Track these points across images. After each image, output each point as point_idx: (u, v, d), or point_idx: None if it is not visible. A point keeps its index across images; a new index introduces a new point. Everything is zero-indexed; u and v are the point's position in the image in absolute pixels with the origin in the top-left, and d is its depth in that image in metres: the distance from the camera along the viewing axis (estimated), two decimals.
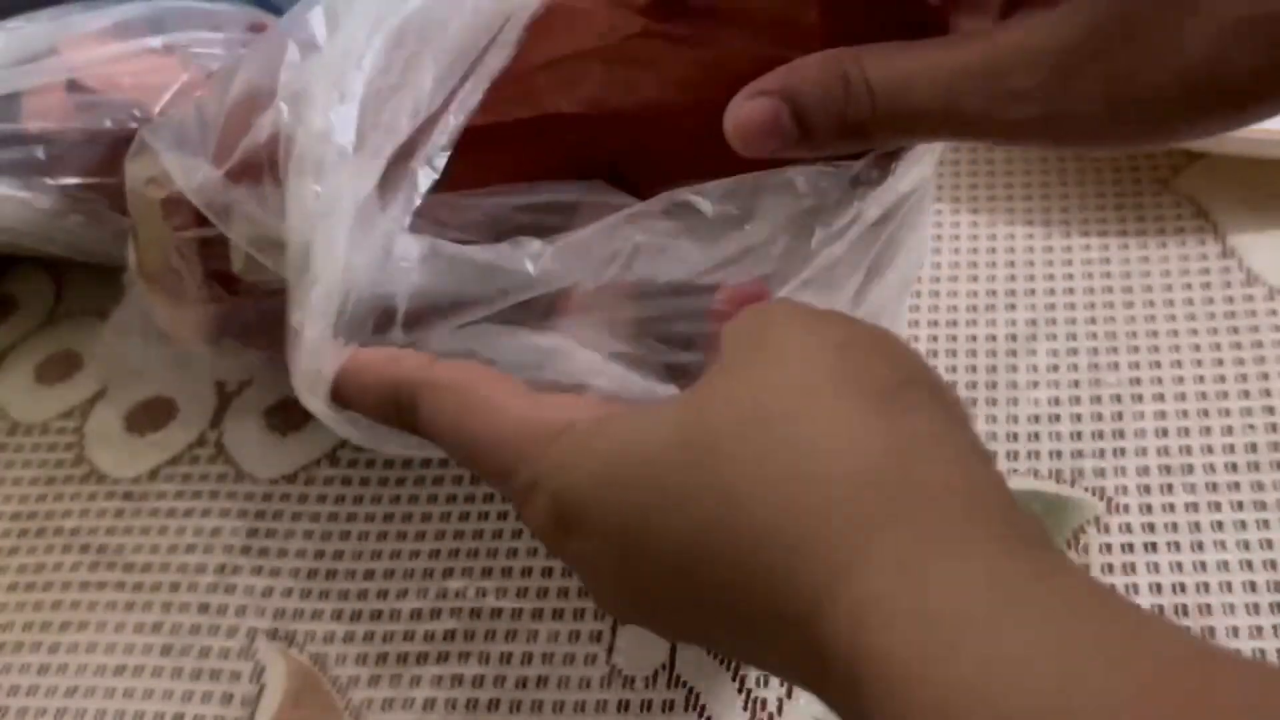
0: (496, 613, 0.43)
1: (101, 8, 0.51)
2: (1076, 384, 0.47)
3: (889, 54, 0.32)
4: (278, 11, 0.54)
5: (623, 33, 0.35)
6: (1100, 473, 0.44)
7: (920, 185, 0.38)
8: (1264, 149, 0.51)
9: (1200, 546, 0.42)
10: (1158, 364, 0.47)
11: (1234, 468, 0.44)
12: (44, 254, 0.54)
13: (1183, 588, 0.41)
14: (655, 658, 0.41)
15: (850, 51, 0.32)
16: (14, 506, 0.50)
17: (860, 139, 0.32)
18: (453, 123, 0.34)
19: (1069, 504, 0.44)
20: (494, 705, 0.41)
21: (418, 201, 0.34)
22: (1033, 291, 0.51)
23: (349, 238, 0.34)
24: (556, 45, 0.36)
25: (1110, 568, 0.42)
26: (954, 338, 0.49)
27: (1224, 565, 0.41)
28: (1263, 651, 0.39)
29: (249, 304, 0.40)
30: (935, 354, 0.49)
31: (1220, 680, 0.21)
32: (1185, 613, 0.40)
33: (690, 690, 0.41)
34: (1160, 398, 0.46)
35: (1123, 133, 0.31)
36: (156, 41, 0.50)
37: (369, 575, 0.45)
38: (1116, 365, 0.48)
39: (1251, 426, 0.45)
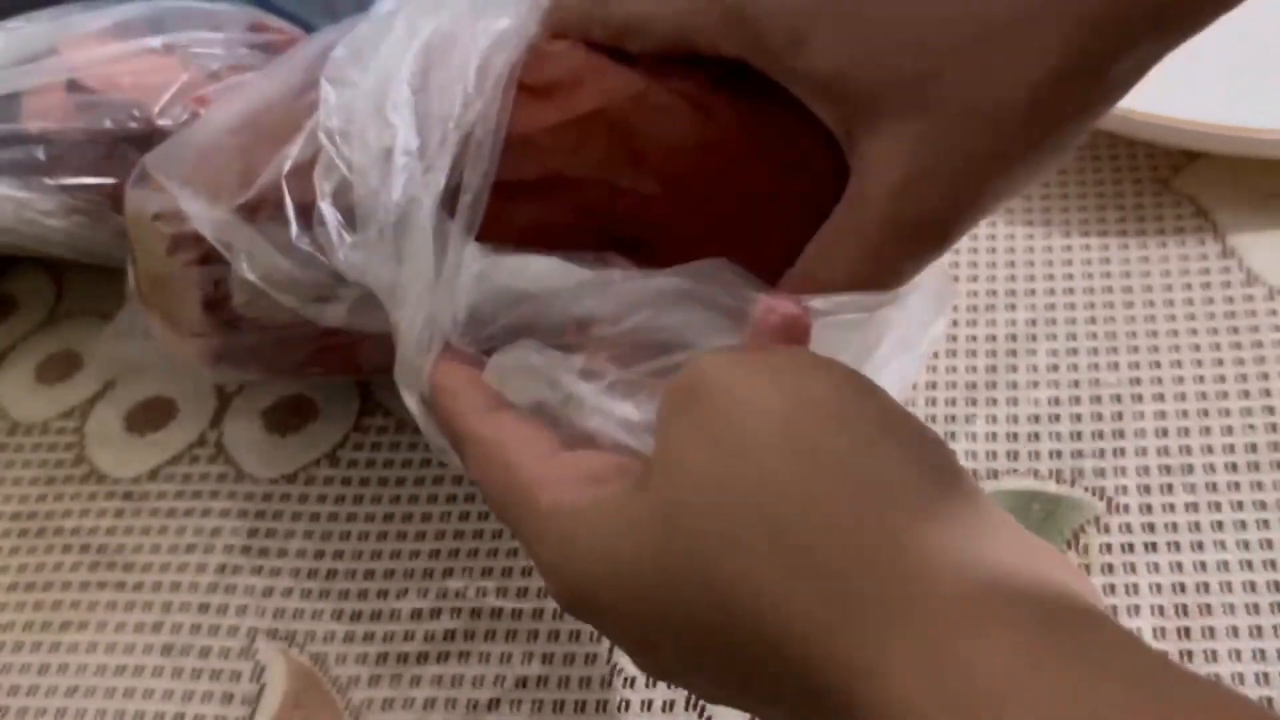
0: (496, 613, 0.43)
1: (101, 8, 0.51)
2: (1076, 384, 0.47)
3: None
4: (278, 12, 0.54)
5: (626, 93, 0.35)
6: (1100, 473, 0.44)
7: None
8: (1264, 149, 0.51)
9: (1200, 546, 0.42)
10: (1158, 364, 0.47)
11: (1234, 468, 0.44)
12: (44, 254, 0.54)
13: (1183, 588, 0.41)
14: None
15: None
16: (14, 506, 0.50)
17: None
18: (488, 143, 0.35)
19: (1069, 504, 0.44)
20: (494, 705, 0.41)
21: (482, 212, 0.35)
22: (1033, 291, 0.51)
23: (433, 242, 0.34)
24: (560, 104, 0.36)
25: (1110, 568, 0.42)
26: (954, 338, 0.49)
27: (1224, 565, 0.41)
28: (1263, 652, 0.39)
29: (248, 336, 0.40)
30: (935, 354, 0.49)
31: None
32: (1185, 612, 0.40)
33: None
34: (1160, 398, 0.46)
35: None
36: (156, 41, 0.50)
37: (369, 575, 0.45)
38: (1116, 365, 0.48)
39: (1251, 426, 0.45)
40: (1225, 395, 0.46)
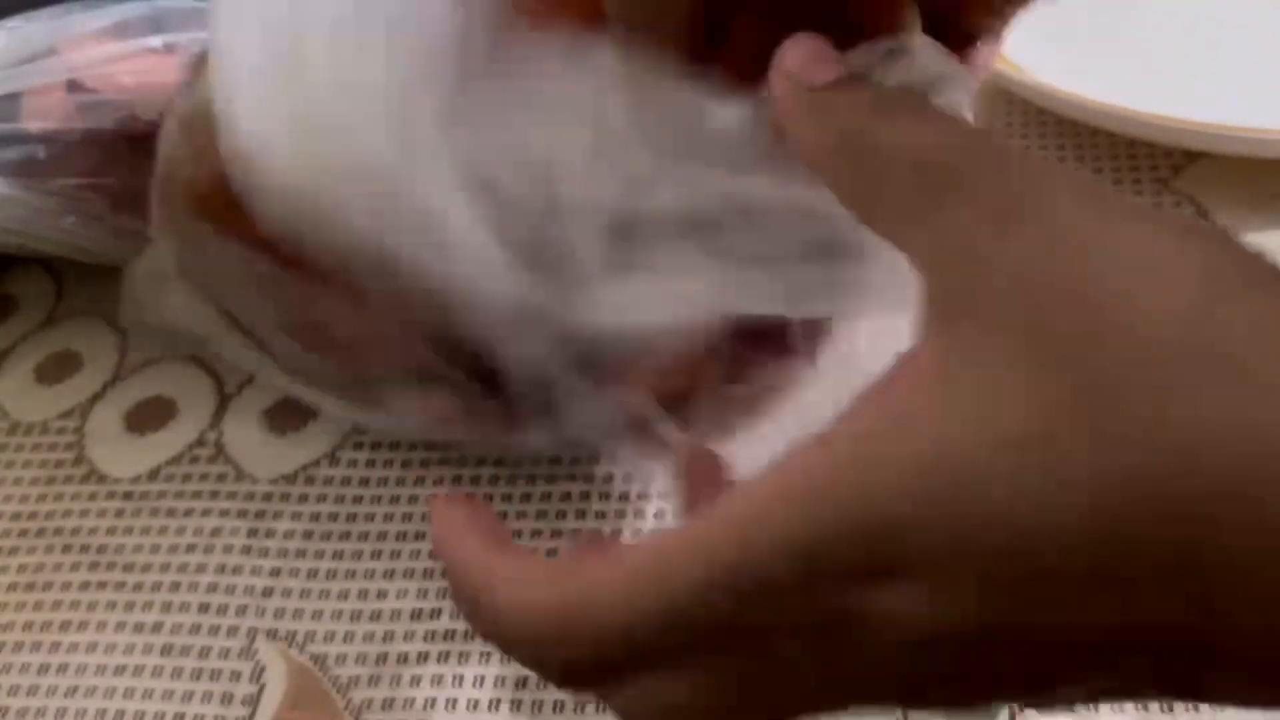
0: None
1: (101, 8, 0.51)
2: None
3: None
4: None
5: None
6: None
7: None
8: (1264, 149, 0.51)
9: None
10: None
11: None
12: (44, 254, 0.54)
13: None
14: None
15: None
16: (14, 506, 0.50)
17: None
18: None
19: None
20: (494, 705, 0.41)
21: None
22: None
23: None
24: None
25: None
26: None
27: None
28: None
29: None
30: None
31: None
32: None
33: None
34: None
35: None
36: (157, 41, 0.50)
37: (369, 575, 0.45)
38: None
39: None
40: None
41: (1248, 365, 0.18)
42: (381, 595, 0.44)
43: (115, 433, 0.52)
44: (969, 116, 0.29)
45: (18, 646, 0.45)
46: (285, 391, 0.45)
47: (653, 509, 0.45)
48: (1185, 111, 0.51)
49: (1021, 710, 0.38)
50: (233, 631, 0.44)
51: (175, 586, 0.46)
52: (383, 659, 0.43)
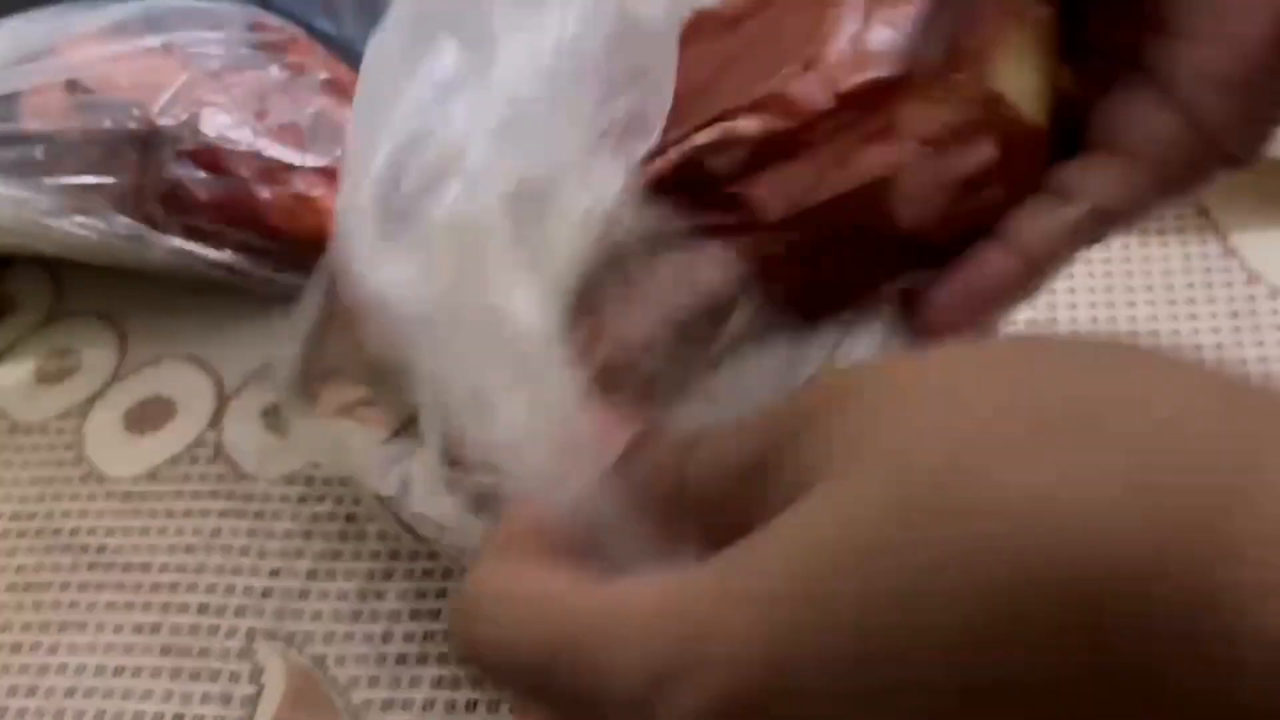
0: None
1: (101, 7, 0.51)
2: None
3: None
4: (278, 11, 0.54)
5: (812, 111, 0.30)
6: None
7: None
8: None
9: None
10: None
11: None
12: (43, 254, 0.54)
13: None
14: None
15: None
16: (14, 506, 0.50)
17: None
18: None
19: None
20: (494, 706, 0.41)
21: None
22: None
23: None
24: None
25: None
26: None
27: None
28: None
29: None
30: None
31: None
32: None
33: None
34: None
35: None
36: (156, 41, 0.50)
37: (369, 575, 0.45)
38: None
39: None
40: None
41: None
42: (381, 595, 0.44)
43: (115, 433, 0.52)
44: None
45: (17, 647, 0.45)
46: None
47: None
48: None
49: None
50: (232, 632, 0.44)
51: (175, 587, 0.46)
52: (383, 659, 0.43)
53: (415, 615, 0.44)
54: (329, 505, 0.47)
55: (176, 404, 0.52)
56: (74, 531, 0.48)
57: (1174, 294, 0.50)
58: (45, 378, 0.55)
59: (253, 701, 0.42)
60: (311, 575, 0.45)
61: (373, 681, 0.42)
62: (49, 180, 0.50)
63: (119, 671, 0.44)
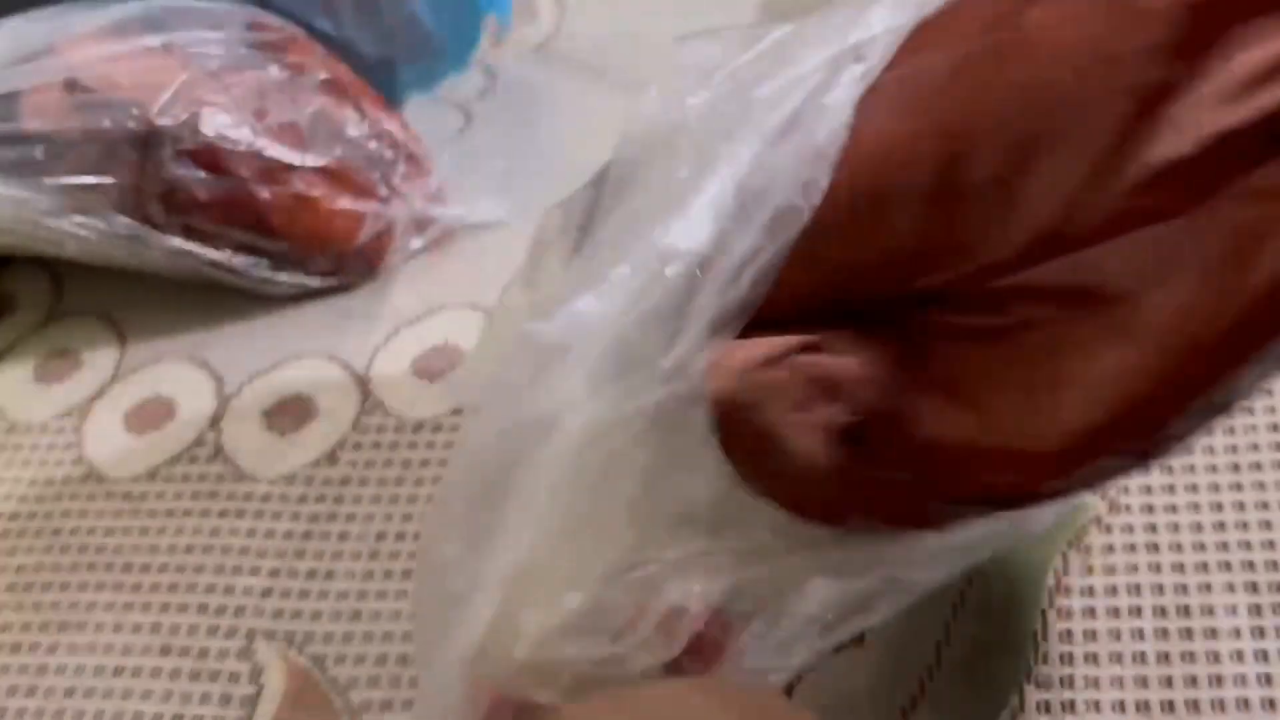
0: None
1: (100, 7, 0.51)
2: None
3: None
4: (277, 11, 0.54)
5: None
6: None
7: None
8: None
9: (1202, 547, 0.42)
10: None
11: (1236, 468, 0.44)
12: (43, 254, 0.54)
13: (1185, 589, 0.41)
14: None
15: None
16: (14, 506, 0.50)
17: None
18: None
19: (1071, 505, 0.43)
20: None
21: None
22: None
23: None
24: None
25: (1113, 568, 0.42)
26: None
27: (1225, 565, 0.41)
28: (1265, 653, 0.39)
29: None
30: None
31: None
32: (1188, 613, 0.40)
33: None
34: None
35: None
36: (155, 41, 0.50)
37: (369, 575, 0.45)
38: None
39: (1253, 426, 0.45)
40: None
41: None
42: (381, 595, 0.44)
43: (115, 433, 0.52)
44: None
45: (17, 647, 0.45)
46: None
47: None
48: None
49: (1023, 710, 0.38)
50: (232, 632, 0.44)
51: (175, 587, 0.46)
52: (383, 659, 0.43)
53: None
54: (329, 505, 0.47)
55: (176, 404, 0.52)
56: (74, 531, 0.48)
57: None
58: (45, 378, 0.55)
59: (252, 702, 0.42)
60: (311, 575, 0.45)
61: (373, 681, 0.42)
62: (49, 180, 0.50)
63: (119, 671, 0.44)
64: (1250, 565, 0.41)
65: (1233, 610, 0.40)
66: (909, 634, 0.41)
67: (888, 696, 0.39)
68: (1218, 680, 0.39)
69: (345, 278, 0.54)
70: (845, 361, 0.29)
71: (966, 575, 0.42)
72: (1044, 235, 0.26)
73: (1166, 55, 0.25)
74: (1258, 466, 0.44)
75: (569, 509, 0.29)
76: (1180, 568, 0.41)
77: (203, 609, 0.45)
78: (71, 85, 0.49)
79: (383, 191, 0.53)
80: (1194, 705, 0.38)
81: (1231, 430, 0.45)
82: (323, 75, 0.53)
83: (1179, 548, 0.42)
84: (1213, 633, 0.40)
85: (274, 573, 0.46)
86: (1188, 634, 0.40)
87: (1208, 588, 0.41)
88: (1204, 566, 0.41)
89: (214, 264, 0.52)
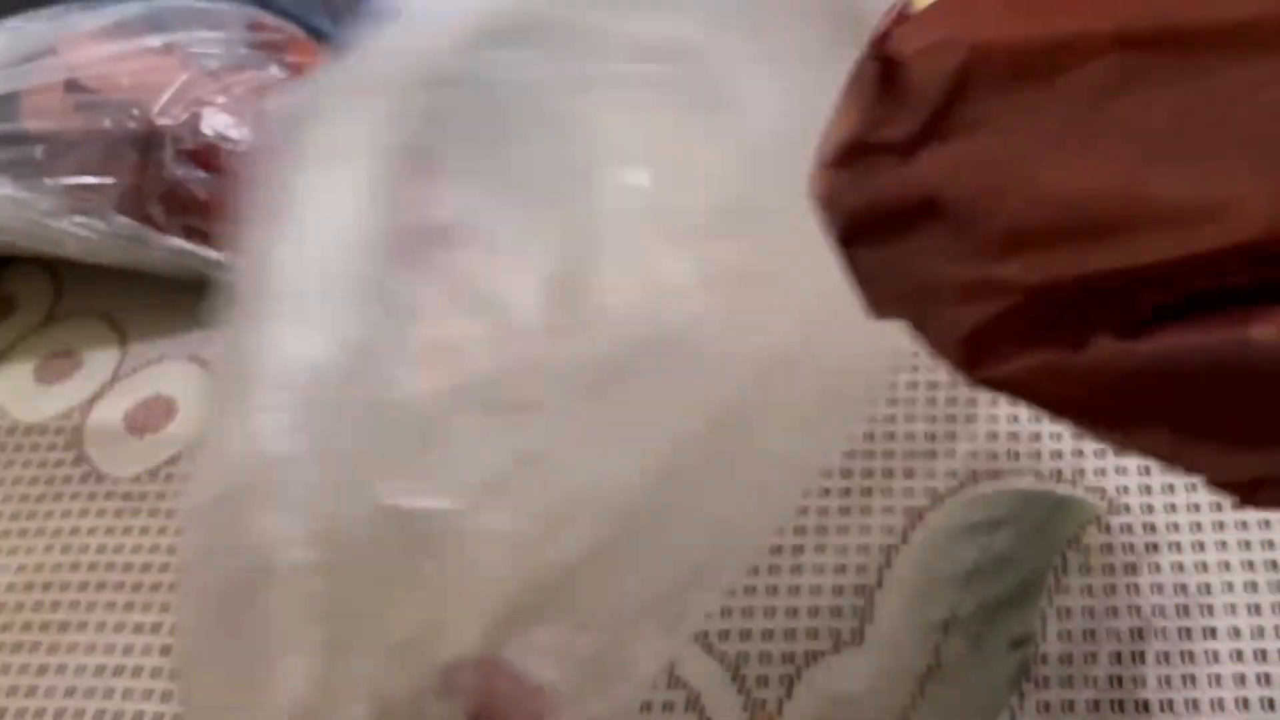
0: None
1: (101, 8, 0.51)
2: None
3: None
4: (278, 12, 0.54)
5: None
6: (1101, 473, 0.44)
7: None
8: None
9: (1201, 546, 0.42)
10: None
11: None
12: (43, 254, 0.54)
13: (1184, 588, 0.41)
14: None
15: None
16: (14, 506, 0.50)
17: None
18: None
19: (1070, 504, 0.44)
20: None
21: None
22: None
23: None
24: None
25: (1111, 568, 0.42)
26: None
27: (1225, 565, 0.41)
28: (1264, 653, 0.39)
29: None
30: None
31: None
32: (1187, 612, 0.40)
33: (690, 690, 0.40)
34: None
35: None
36: (156, 41, 0.50)
37: None
38: None
39: None
40: None
41: None
42: None
43: (115, 433, 0.52)
44: None
45: (17, 647, 0.45)
46: None
47: None
48: None
49: (1022, 710, 0.38)
50: None
51: (175, 586, 0.46)
52: None
53: None
54: None
55: (176, 404, 0.52)
56: (74, 531, 0.48)
57: None
58: (46, 377, 0.55)
59: None
60: None
61: None
62: (49, 180, 0.50)
63: (119, 671, 0.44)
64: (1249, 565, 0.41)
65: (1231, 610, 0.40)
66: (909, 634, 0.41)
67: (888, 696, 0.39)
68: (1217, 680, 0.39)
69: None
70: None
71: (966, 576, 0.42)
72: None
73: None
74: None
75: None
76: (1179, 567, 0.41)
77: None
78: (72, 85, 0.49)
79: None
80: (1193, 705, 0.38)
81: None
82: None
83: (1178, 547, 0.42)
84: (1212, 632, 0.40)
85: None
86: (1187, 634, 0.40)
87: (1207, 588, 0.41)
88: (1203, 566, 0.41)
89: (214, 264, 0.52)
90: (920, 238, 0.23)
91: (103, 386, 0.54)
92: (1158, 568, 0.42)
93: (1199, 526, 0.42)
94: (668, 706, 0.40)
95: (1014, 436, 0.46)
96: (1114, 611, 0.41)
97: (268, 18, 0.53)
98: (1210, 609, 0.40)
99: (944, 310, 0.24)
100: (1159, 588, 0.41)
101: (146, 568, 0.47)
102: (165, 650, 0.44)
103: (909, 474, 0.45)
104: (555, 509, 0.29)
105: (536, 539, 0.29)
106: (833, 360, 0.31)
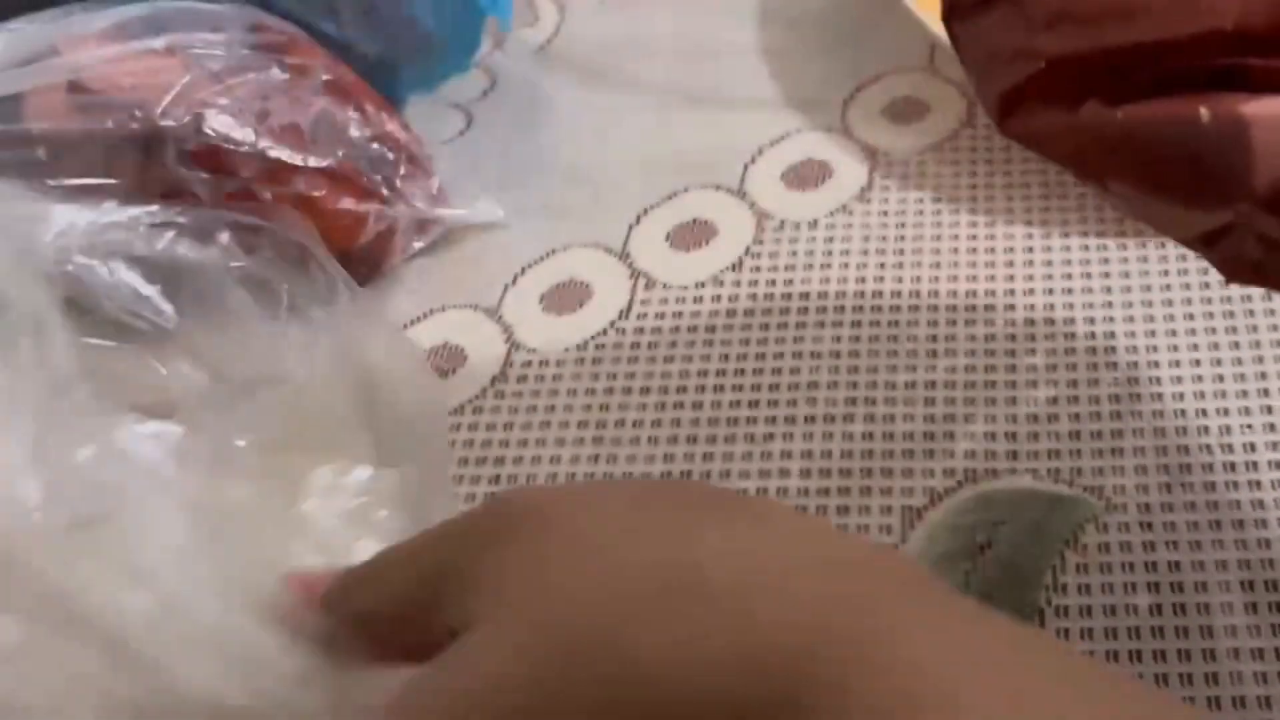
0: None
1: (102, 8, 0.51)
2: (1075, 384, 0.47)
3: None
4: (279, 12, 0.54)
5: None
6: (1099, 472, 0.44)
7: None
8: None
9: (1199, 546, 0.42)
10: (1156, 364, 0.48)
11: (1232, 468, 0.44)
12: None
13: (1180, 587, 0.41)
14: None
15: None
16: None
17: None
18: None
19: (1067, 504, 0.44)
20: None
21: None
22: (1032, 291, 0.51)
23: None
24: None
25: (1108, 567, 0.42)
26: (953, 337, 0.49)
27: (1222, 565, 0.41)
28: (1261, 652, 0.39)
29: None
30: (935, 354, 0.49)
31: None
32: (1184, 611, 0.40)
33: None
34: (1158, 398, 0.46)
35: None
36: (158, 42, 0.50)
37: None
38: (1115, 365, 0.48)
39: (1249, 426, 0.45)
40: (1223, 395, 0.46)
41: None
42: None
43: None
44: None
45: None
46: None
47: None
48: None
49: None
50: None
51: None
52: None
53: None
54: None
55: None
56: None
57: (1171, 294, 0.50)
58: None
59: None
60: None
61: None
62: (51, 181, 0.50)
63: None
64: (1246, 564, 0.41)
65: (1229, 609, 0.40)
66: None
67: None
68: (1214, 679, 0.39)
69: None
70: None
71: (964, 576, 0.42)
72: None
73: None
74: (1253, 467, 0.44)
75: None
76: (1176, 566, 0.42)
77: None
78: (74, 86, 0.49)
79: (384, 192, 0.53)
80: (1190, 704, 0.38)
81: (1227, 429, 0.45)
82: (325, 77, 0.53)
83: (1175, 546, 0.42)
84: (1209, 631, 0.40)
85: None
86: (1184, 633, 0.40)
87: (1204, 586, 0.41)
88: (1200, 565, 0.42)
89: None
90: (994, 14, 0.30)
91: None
92: (1155, 567, 0.42)
93: (1196, 526, 0.43)
94: None
95: (1012, 436, 0.46)
96: (1111, 611, 0.41)
97: (270, 19, 0.53)
98: (1207, 608, 0.40)
99: (994, 72, 0.30)
100: (1155, 587, 0.41)
101: None
102: None
103: (908, 474, 0.45)
104: None
105: None
106: None
